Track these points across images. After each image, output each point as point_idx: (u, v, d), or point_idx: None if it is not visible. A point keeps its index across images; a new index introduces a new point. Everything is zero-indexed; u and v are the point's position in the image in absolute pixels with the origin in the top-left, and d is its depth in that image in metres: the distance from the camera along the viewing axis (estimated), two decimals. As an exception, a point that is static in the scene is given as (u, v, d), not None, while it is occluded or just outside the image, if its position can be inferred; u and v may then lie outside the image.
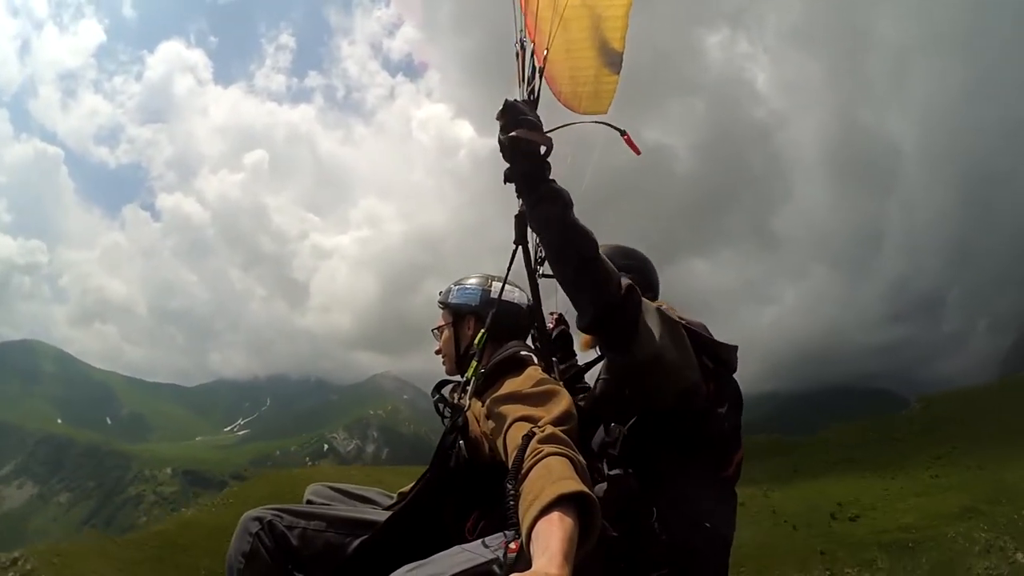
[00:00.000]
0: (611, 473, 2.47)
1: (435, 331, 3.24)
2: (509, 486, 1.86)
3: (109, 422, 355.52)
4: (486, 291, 3.10)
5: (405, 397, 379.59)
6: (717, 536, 2.48)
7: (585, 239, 2.30)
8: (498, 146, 2.42)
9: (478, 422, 2.65)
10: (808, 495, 39.83)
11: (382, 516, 2.73)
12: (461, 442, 2.61)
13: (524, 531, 1.66)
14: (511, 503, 1.81)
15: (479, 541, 2.25)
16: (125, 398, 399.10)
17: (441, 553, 2.23)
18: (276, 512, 2.65)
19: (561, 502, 1.66)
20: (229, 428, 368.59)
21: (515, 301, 3.05)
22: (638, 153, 2.75)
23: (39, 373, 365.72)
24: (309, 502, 3.00)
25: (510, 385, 2.53)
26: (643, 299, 2.38)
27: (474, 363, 2.82)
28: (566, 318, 3.16)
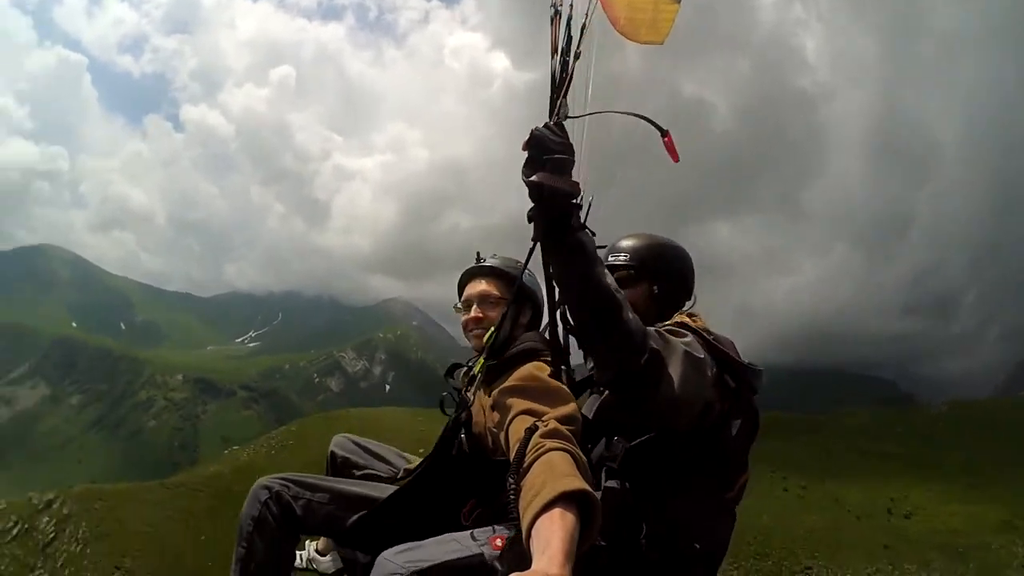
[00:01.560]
0: (607, 485, 2.45)
1: (485, 299, 2.99)
2: (511, 480, 1.86)
3: (123, 328, 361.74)
4: (531, 275, 3.06)
5: (414, 323, 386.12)
6: (706, 556, 2.46)
7: (608, 302, 2.09)
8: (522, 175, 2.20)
9: (484, 413, 2.65)
10: (863, 486, 39.05)
11: (383, 493, 2.84)
12: (463, 436, 2.70)
13: (524, 527, 1.66)
14: (512, 497, 1.81)
15: (468, 532, 2.34)
16: (140, 305, 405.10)
17: (432, 539, 2.35)
18: (284, 482, 2.78)
19: (562, 499, 1.65)
20: (240, 339, 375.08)
21: (538, 300, 3.03)
22: (676, 160, 2.54)
23: (56, 278, 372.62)
24: (332, 453, 3.27)
25: (517, 378, 2.50)
26: (669, 341, 2.23)
27: (481, 360, 2.79)
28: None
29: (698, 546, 2.40)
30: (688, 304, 2.88)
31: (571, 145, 2.11)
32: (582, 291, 2.11)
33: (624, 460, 2.46)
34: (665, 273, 2.84)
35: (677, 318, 2.65)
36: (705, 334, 2.45)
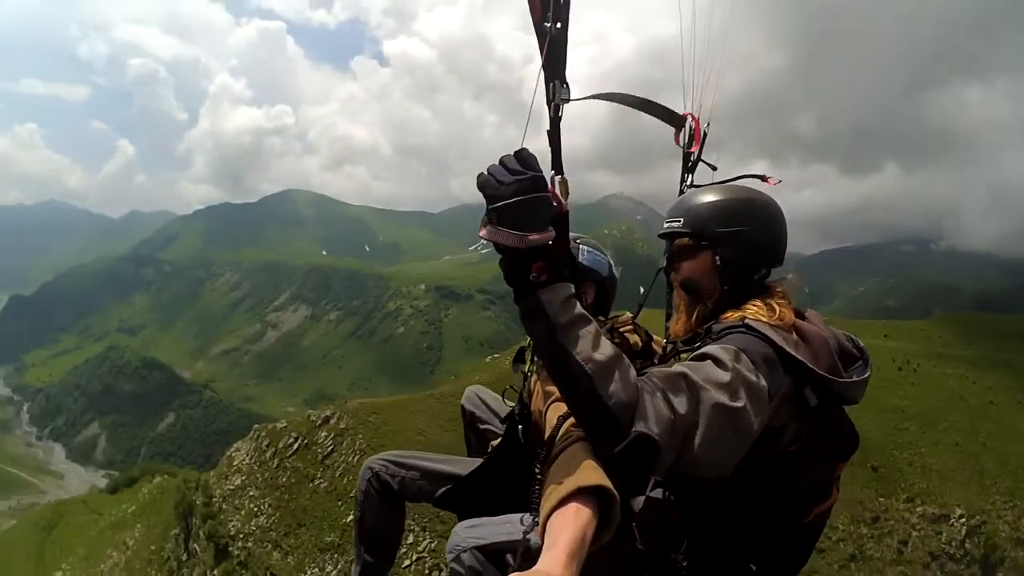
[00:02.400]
0: (651, 494, 2.32)
1: None
2: (537, 468, 1.84)
3: (367, 249, 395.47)
4: (610, 263, 3.25)
5: (639, 217, 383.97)
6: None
7: (573, 375, 1.72)
8: None
9: (540, 400, 2.70)
10: None
11: (465, 470, 3.16)
12: (520, 427, 2.89)
13: (541, 520, 1.64)
14: (536, 488, 1.79)
15: (519, 516, 2.35)
16: (379, 228, 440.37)
17: (494, 518, 2.67)
18: (383, 463, 3.29)
19: (580, 494, 1.61)
20: (473, 248, 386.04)
21: (596, 268, 3.20)
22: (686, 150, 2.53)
23: (301, 216, 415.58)
24: (462, 406, 3.74)
25: None
26: (698, 390, 1.80)
27: (528, 359, 2.93)
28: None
29: (754, 567, 2.18)
30: (768, 275, 2.37)
31: (532, 179, 1.68)
32: (549, 359, 1.78)
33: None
34: (730, 239, 2.31)
35: (751, 308, 2.22)
36: (779, 336, 2.06)
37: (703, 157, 3.13)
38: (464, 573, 2.60)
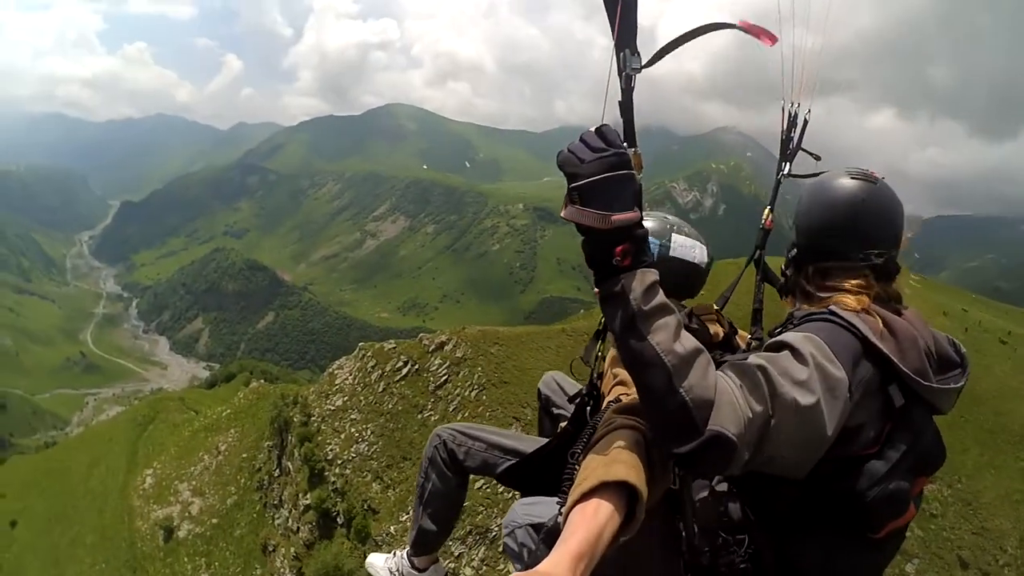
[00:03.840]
0: (716, 487, 2.19)
1: None
2: (574, 453, 1.79)
3: (467, 166, 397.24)
4: (664, 246, 3.08)
5: (748, 154, 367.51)
6: None
7: (649, 367, 1.60)
8: None
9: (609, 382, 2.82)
10: None
11: (529, 447, 3.15)
12: (588, 408, 2.91)
13: (564, 511, 1.59)
14: (567, 475, 1.74)
15: None
16: (480, 145, 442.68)
17: (552, 498, 2.64)
18: (452, 432, 3.32)
19: (604, 488, 1.56)
20: None
21: (690, 259, 3.08)
22: (771, 42, 2.14)
23: (404, 130, 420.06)
24: (539, 390, 3.79)
25: None
26: (777, 389, 1.68)
27: (601, 342, 2.88)
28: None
29: None
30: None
31: (615, 156, 1.59)
32: (622, 349, 1.66)
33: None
34: (800, 227, 2.30)
35: (845, 299, 2.08)
36: (865, 325, 1.95)
37: (804, 146, 2.99)
38: (516, 549, 2.68)
